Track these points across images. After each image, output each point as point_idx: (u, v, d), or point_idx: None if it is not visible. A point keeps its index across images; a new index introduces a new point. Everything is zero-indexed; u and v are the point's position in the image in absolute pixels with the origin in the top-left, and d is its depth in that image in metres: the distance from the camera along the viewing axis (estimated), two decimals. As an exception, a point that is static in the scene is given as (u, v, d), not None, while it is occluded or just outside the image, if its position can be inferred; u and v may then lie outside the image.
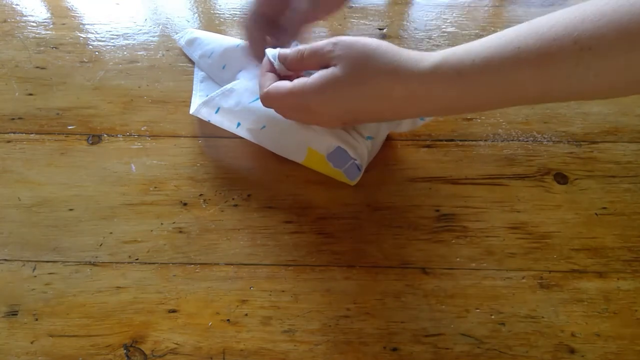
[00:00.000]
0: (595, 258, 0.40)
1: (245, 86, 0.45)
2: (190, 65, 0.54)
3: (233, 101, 0.44)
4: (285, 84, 0.38)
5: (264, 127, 0.43)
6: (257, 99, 0.42)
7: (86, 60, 0.54)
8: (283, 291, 0.38)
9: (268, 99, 0.39)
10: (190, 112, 0.46)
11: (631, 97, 0.51)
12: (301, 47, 0.38)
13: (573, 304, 0.38)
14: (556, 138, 0.48)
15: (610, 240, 0.41)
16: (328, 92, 0.36)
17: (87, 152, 0.46)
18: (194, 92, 0.50)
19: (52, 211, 0.43)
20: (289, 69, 0.40)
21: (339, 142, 0.41)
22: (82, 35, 0.57)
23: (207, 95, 0.46)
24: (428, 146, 0.47)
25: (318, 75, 0.37)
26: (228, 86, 0.45)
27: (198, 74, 0.52)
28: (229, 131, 0.45)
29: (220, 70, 0.49)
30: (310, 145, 0.42)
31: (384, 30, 0.59)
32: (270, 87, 0.39)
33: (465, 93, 0.33)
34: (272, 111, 0.41)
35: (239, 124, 0.44)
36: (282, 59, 0.39)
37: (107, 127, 0.48)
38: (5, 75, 0.53)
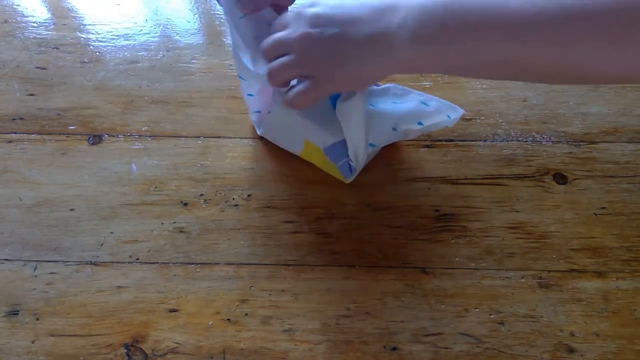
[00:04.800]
0: (594, 258, 0.40)
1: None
2: (190, 65, 0.54)
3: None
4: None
5: (270, 112, 0.44)
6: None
7: (87, 61, 0.54)
8: (283, 291, 0.39)
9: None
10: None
11: (630, 98, 0.51)
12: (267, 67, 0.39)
13: (572, 303, 0.38)
14: (555, 138, 0.48)
15: (609, 240, 0.41)
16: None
17: (88, 152, 0.47)
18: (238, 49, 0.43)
19: (52, 211, 0.43)
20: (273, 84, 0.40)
21: (340, 137, 0.41)
22: (82, 35, 0.57)
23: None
24: (428, 146, 0.48)
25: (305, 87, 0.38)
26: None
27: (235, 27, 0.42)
28: (230, 130, 0.46)
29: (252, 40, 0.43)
30: (307, 138, 0.43)
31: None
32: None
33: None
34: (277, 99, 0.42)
35: (250, 94, 0.45)
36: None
37: (108, 127, 0.48)
38: (6, 76, 0.53)
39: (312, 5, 0.36)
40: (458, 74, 0.43)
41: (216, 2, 0.63)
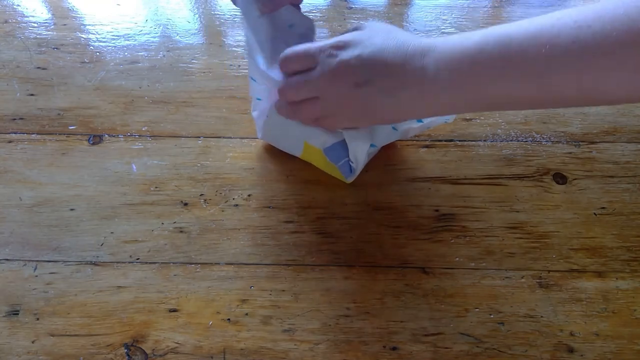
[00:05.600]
0: (594, 258, 0.40)
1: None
2: (190, 65, 0.54)
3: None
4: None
5: (267, 116, 0.44)
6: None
7: (87, 61, 0.54)
8: (283, 290, 0.39)
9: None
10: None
11: (630, 98, 0.51)
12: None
13: (572, 303, 0.38)
14: (555, 138, 0.48)
15: (609, 240, 0.41)
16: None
17: (88, 152, 0.47)
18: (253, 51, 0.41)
19: (53, 211, 0.43)
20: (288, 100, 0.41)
21: (339, 138, 0.41)
22: (83, 35, 0.57)
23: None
24: (427, 146, 0.48)
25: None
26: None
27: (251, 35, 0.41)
28: (230, 130, 0.46)
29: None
30: (307, 140, 0.43)
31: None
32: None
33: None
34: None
35: (259, 99, 0.44)
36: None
37: (108, 128, 0.48)
38: (6, 76, 0.53)
39: (345, 46, 0.36)
40: (491, 110, 0.45)
41: (222, 3, 0.62)
